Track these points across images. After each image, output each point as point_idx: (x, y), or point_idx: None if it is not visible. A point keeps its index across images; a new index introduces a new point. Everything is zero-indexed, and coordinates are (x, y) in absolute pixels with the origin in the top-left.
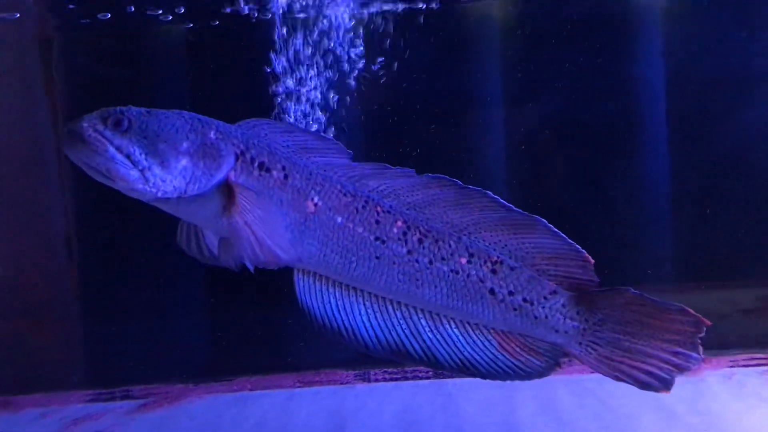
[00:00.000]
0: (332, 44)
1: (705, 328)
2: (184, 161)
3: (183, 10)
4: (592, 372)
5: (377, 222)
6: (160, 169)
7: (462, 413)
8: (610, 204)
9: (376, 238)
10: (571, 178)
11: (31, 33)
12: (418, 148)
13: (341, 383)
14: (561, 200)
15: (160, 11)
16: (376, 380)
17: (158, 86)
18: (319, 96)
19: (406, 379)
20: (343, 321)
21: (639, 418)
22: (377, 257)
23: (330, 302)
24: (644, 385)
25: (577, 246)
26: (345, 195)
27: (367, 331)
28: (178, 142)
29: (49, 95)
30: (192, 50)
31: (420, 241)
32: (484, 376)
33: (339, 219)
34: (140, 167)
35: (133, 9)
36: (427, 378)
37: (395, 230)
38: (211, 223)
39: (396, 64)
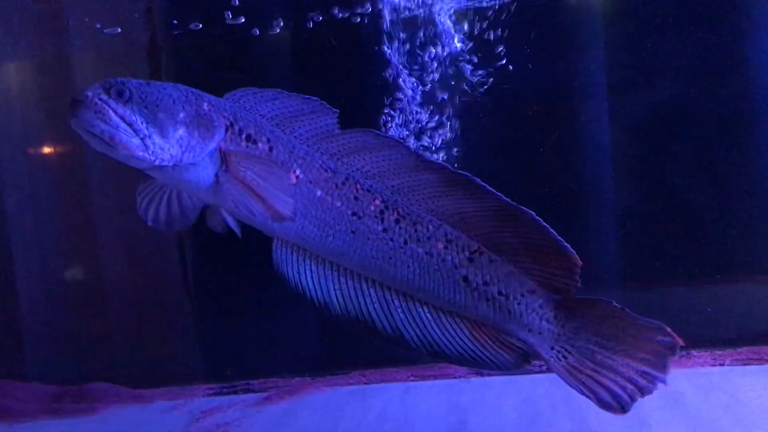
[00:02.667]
0: (436, 40)
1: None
2: (181, 131)
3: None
4: (715, 364)
5: (356, 198)
6: (159, 137)
7: (584, 406)
8: (728, 194)
9: (353, 213)
10: (686, 168)
11: (140, 45)
12: (528, 137)
13: (455, 377)
14: (677, 191)
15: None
16: (490, 374)
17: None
18: (428, 93)
19: (520, 372)
20: (316, 291)
21: None
22: (353, 232)
23: (305, 273)
24: (604, 405)
25: (566, 245)
26: (326, 170)
27: (338, 303)
28: (176, 112)
29: None
30: (297, 55)
31: (397, 221)
32: (451, 362)
33: (318, 192)
34: (141, 135)
35: (243, 20)
36: (541, 372)
37: (372, 208)
38: (200, 190)
39: (504, 56)
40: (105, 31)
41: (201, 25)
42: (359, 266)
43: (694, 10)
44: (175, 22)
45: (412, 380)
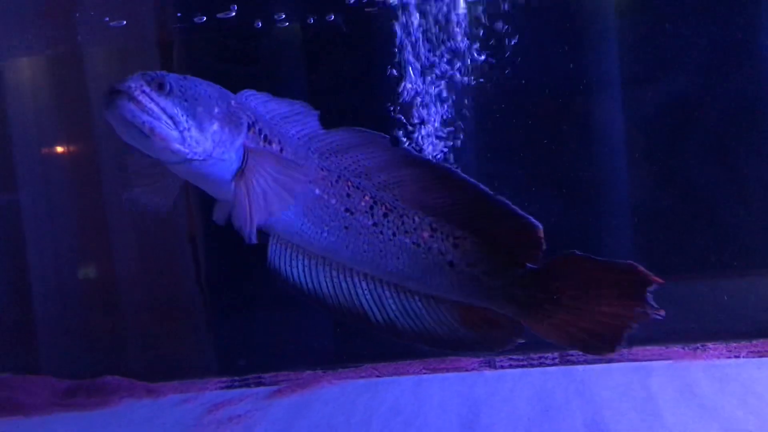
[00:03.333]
0: (449, 32)
1: (654, 285)
2: (215, 125)
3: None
4: (731, 357)
5: (348, 195)
6: (197, 131)
7: (598, 398)
8: (744, 186)
9: (346, 210)
10: (702, 160)
11: (150, 38)
12: (543, 129)
13: (467, 370)
14: (692, 182)
15: (283, 15)
16: (502, 367)
17: (278, 83)
18: (441, 86)
19: (532, 365)
20: (308, 286)
21: None
22: (346, 227)
23: (297, 267)
24: (592, 348)
25: (533, 219)
26: (322, 169)
27: (331, 297)
28: (212, 107)
29: None
30: (309, 46)
31: (385, 215)
32: (445, 347)
33: (317, 191)
34: (180, 128)
35: (252, 13)
36: (554, 365)
37: (363, 204)
38: (219, 186)
39: (516, 47)
40: (111, 24)
41: (205, 18)
42: (351, 260)
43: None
44: (179, 15)
45: (425, 373)
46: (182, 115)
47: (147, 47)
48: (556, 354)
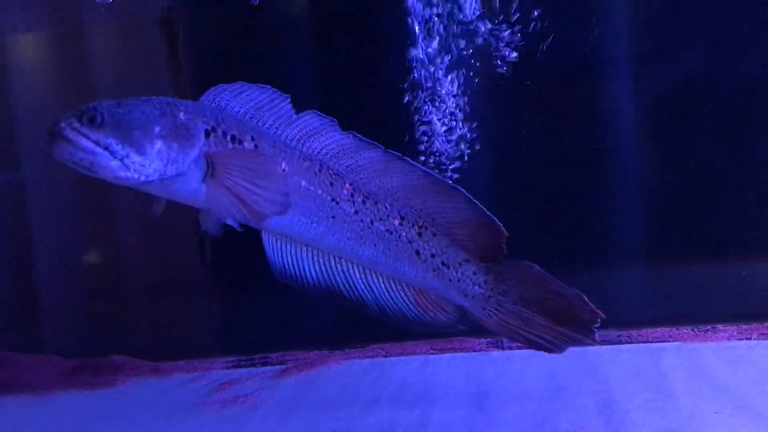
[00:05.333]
0: (463, 9)
1: (599, 320)
2: (158, 144)
3: None
4: (742, 338)
5: (331, 184)
6: (137, 155)
7: (610, 379)
8: (756, 168)
9: (332, 199)
10: (713, 141)
11: (154, 15)
12: (554, 109)
13: (474, 350)
14: (703, 164)
15: None
16: (510, 348)
17: (285, 59)
18: (452, 61)
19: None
20: (295, 272)
21: None
22: (333, 217)
23: (285, 257)
24: (536, 346)
25: (494, 218)
26: (304, 159)
27: (312, 279)
28: (150, 127)
29: (176, 77)
30: (318, 22)
31: (363, 202)
32: (399, 323)
33: (303, 182)
34: (118, 156)
35: None
36: None
37: (345, 192)
38: (193, 197)
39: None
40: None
41: None
42: (335, 248)
43: None
44: None
45: (432, 353)
46: (116, 144)
47: (150, 24)
48: None
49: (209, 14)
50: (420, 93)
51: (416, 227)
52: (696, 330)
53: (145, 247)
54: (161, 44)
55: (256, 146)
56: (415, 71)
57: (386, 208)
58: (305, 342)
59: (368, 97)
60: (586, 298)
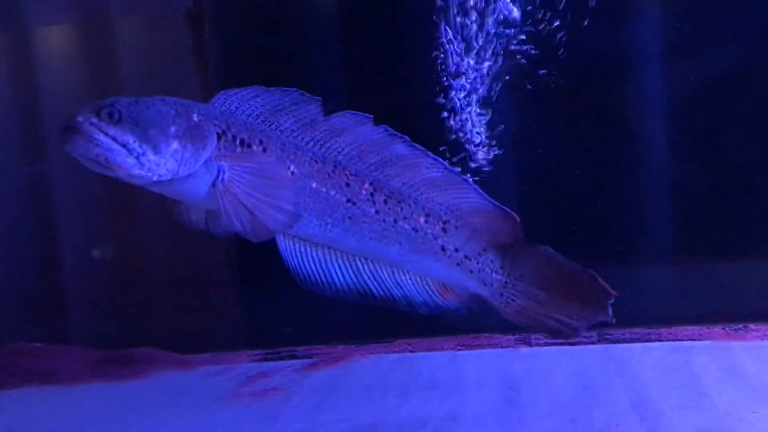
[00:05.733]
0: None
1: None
2: (174, 144)
3: None
4: None
5: (347, 185)
6: (153, 154)
7: (641, 377)
8: None
9: (348, 200)
10: (745, 137)
11: (181, 9)
12: (585, 105)
13: (502, 347)
14: (735, 161)
15: None
16: (538, 344)
17: (313, 55)
18: (481, 59)
19: (569, 344)
20: (320, 276)
21: None
22: (350, 218)
23: (309, 261)
24: (554, 332)
25: (503, 207)
26: (316, 161)
27: (340, 283)
28: (167, 126)
29: (202, 70)
30: (348, 14)
31: (385, 201)
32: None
33: (314, 184)
34: (135, 154)
35: None
36: (592, 343)
37: (363, 192)
38: (202, 200)
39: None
40: None
41: None
42: (356, 249)
43: None
44: None
45: (459, 349)
46: (134, 141)
47: (177, 17)
48: (593, 333)
49: (236, 8)
50: (449, 87)
51: (441, 222)
52: (727, 329)
53: (172, 240)
54: (188, 37)
55: (264, 149)
56: (444, 64)
57: (411, 206)
58: (332, 336)
59: (396, 92)
60: (598, 277)
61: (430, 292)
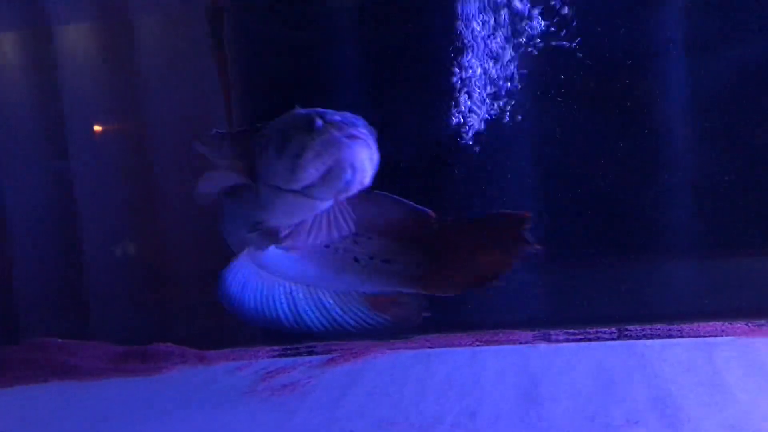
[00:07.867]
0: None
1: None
2: None
3: None
4: None
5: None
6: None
7: (662, 374)
8: None
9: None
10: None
11: (198, 4)
12: (609, 100)
13: (521, 343)
14: (759, 155)
15: None
16: (557, 341)
17: (334, 50)
18: (499, 51)
19: (589, 340)
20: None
21: None
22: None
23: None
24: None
25: (424, 208)
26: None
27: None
28: None
29: (222, 67)
30: (369, 8)
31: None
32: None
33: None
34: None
35: None
36: (612, 339)
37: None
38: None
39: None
40: None
41: None
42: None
43: None
44: None
45: (478, 345)
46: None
47: (197, 13)
48: (614, 329)
49: (256, 2)
50: (470, 82)
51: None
52: (750, 324)
53: (193, 236)
54: (207, 33)
55: None
56: (465, 60)
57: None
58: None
59: (417, 86)
60: (507, 211)
61: (360, 310)
